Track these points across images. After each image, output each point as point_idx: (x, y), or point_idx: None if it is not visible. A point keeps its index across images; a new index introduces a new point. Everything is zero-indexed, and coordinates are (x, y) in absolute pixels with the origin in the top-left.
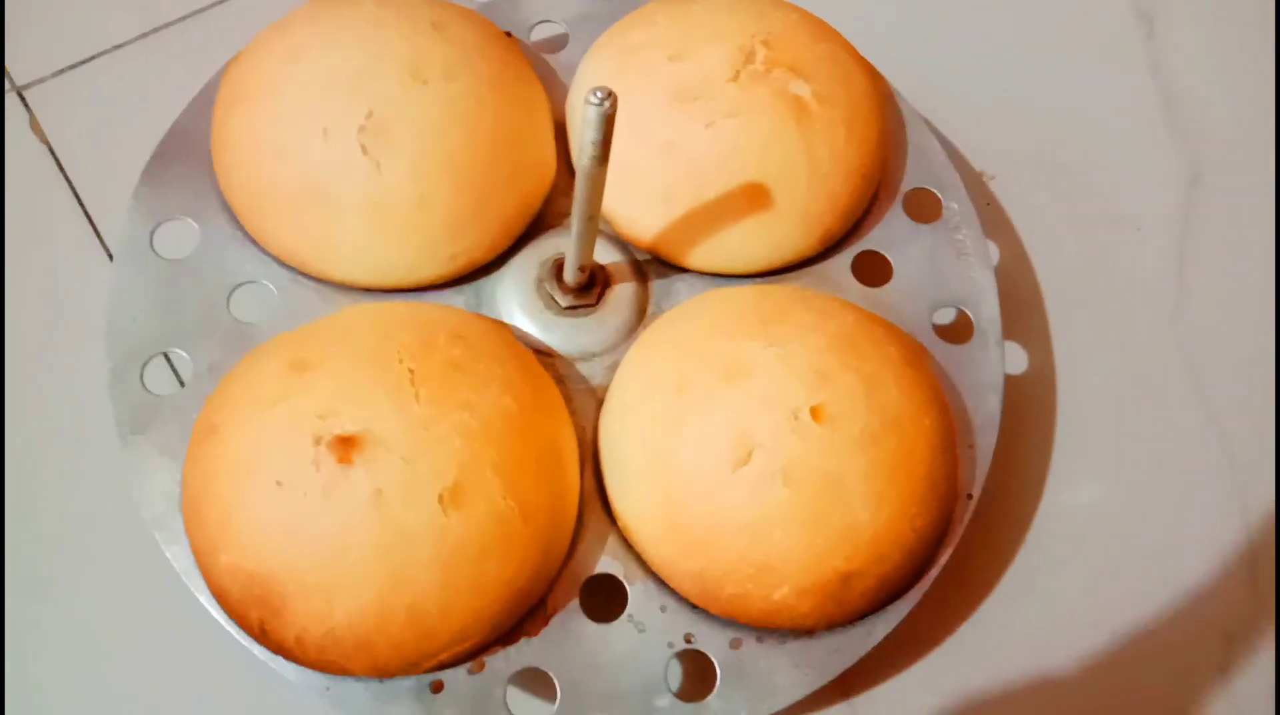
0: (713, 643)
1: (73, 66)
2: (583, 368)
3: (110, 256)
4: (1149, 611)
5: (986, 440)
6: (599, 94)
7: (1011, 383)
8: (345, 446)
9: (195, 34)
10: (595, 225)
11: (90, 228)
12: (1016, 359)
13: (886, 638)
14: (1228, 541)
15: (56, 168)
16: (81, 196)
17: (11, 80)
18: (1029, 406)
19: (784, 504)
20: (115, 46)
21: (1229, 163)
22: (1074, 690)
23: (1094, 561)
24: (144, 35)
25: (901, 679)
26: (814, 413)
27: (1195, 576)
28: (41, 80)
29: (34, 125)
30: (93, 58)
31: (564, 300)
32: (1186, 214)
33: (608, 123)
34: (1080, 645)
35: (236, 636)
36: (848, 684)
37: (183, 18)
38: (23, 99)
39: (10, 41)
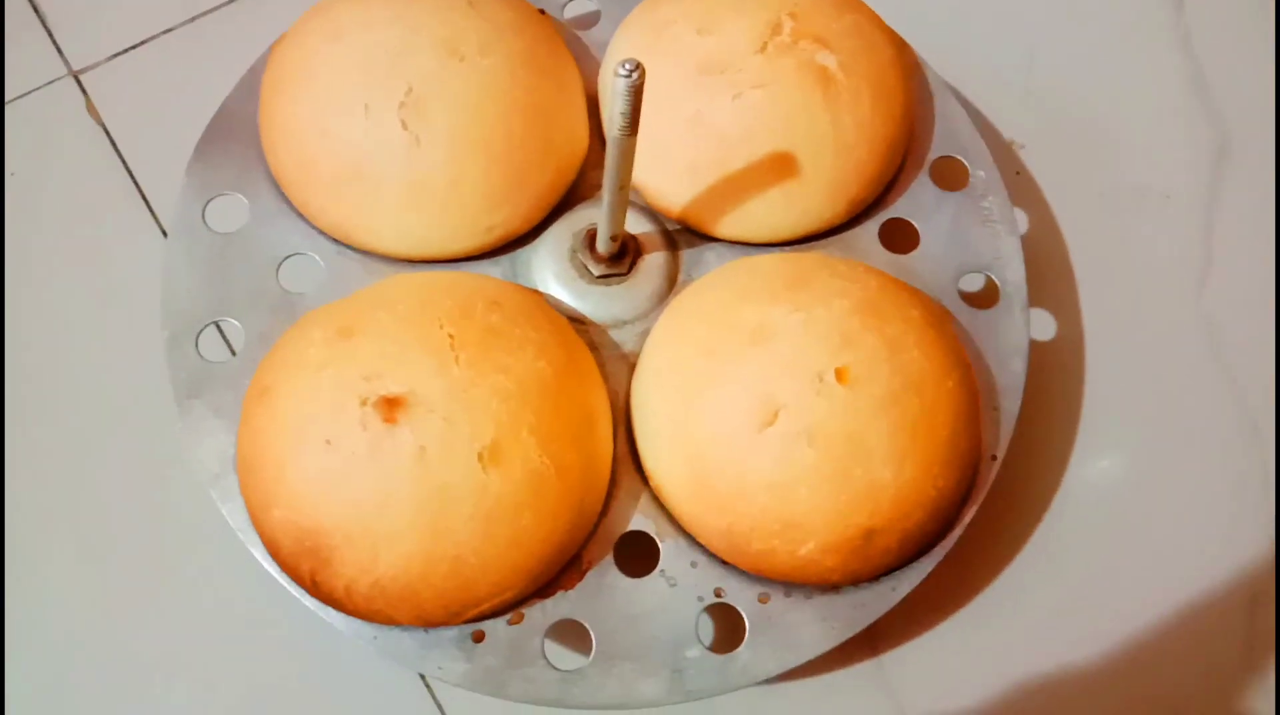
0: (741, 597)
1: (125, 50)
2: (615, 335)
3: (164, 232)
4: (1173, 578)
5: (1011, 403)
6: (627, 66)
7: (1040, 349)
8: (390, 407)
9: (240, 17)
10: (626, 195)
11: (144, 204)
12: (1045, 326)
13: (913, 596)
14: (1251, 511)
15: (111, 148)
16: (135, 175)
17: (68, 64)
18: (1057, 373)
19: (809, 463)
20: (165, 30)
21: (1257, 135)
22: (1098, 653)
23: (1119, 526)
24: (192, 19)
25: (929, 637)
26: (838, 375)
27: (1219, 544)
28: (96, 65)
29: (90, 108)
30: (144, 42)
31: (597, 269)
32: (1215, 186)
33: (636, 94)
34: (1104, 609)
35: (289, 589)
36: (875, 641)
37: (228, 2)
38: (79, 83)
39: (66, 27)
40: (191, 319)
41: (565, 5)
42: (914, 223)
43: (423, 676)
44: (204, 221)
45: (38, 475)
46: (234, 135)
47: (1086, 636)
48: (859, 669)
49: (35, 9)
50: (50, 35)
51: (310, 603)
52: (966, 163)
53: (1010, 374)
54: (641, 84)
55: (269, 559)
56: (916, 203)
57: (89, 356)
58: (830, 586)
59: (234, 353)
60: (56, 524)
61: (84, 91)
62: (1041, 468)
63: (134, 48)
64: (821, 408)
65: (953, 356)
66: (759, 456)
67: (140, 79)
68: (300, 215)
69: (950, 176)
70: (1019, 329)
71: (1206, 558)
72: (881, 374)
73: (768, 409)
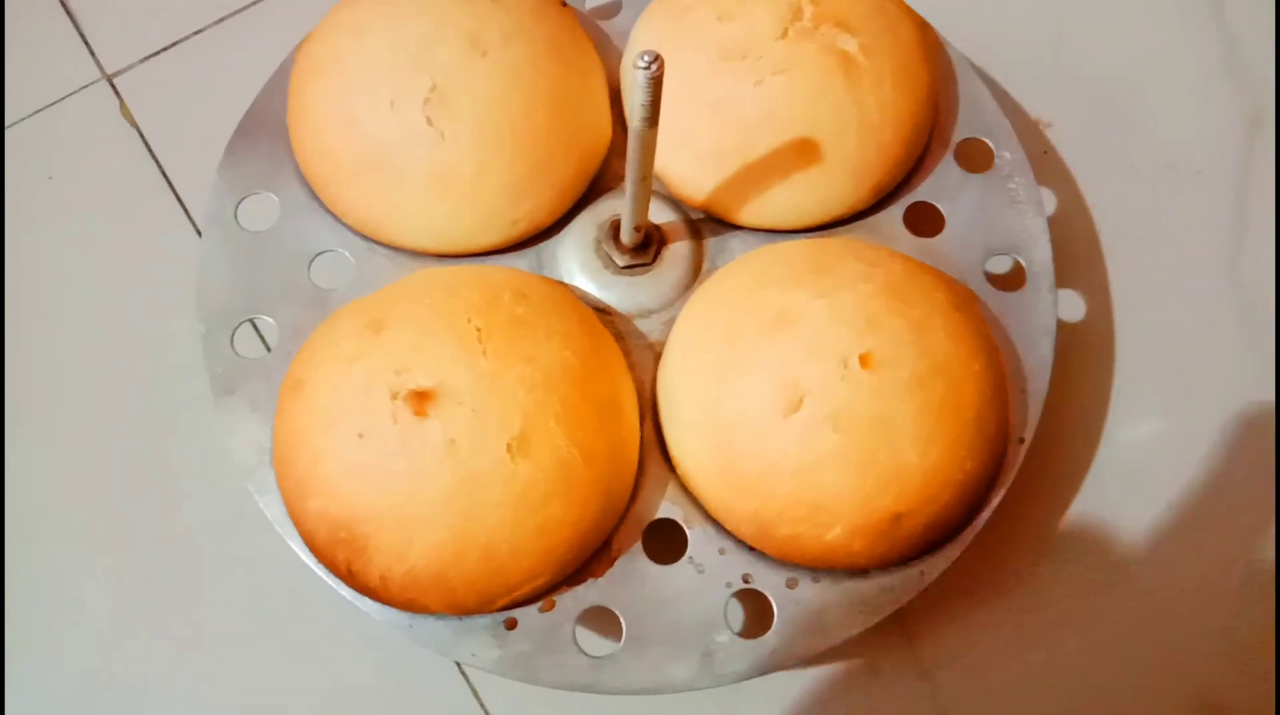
0: (770, 582)
1: (157, 53)
2: (641, 324)
3: (198, 231)
4: (1205, 559)
5: (1039, 385)
6: (646, 58)
7: (1069, 330)
8: (420, 400)
9: (269, 16)
10: (649, 185)
11: (178, 204)
12: (1074, 307)
13: (945, 580)
14: None
15: (146, 149)
16: (169, 175)
17: (102, 68)
18: (1087, 354)
19: (835, 448)
20: (195, 32)
21: None
22: (1129, 633)
23: (1151, 507)
24: (221, 20)
25: (960, 620)
26: (863, 359)
27: (1251, 526)
28: (129, 68)
29: (124, 110)
30: (175, 44)
31: (621, 260)
32: (1247, 159)
33: (656, 85)
34: (1135, 590)
35: (325, 579)
36: (908, 626)
37: (256, 1)
38: (113, 86)
39: (100, 31)
40: (226, 315)
41: None
42: (939, 206)
43: (458, 664)
44: (236, 220)
45: (73, 470)
46: (264, 134)
47: (1118, 617)
48: (891, 653)
49: (68, 13)
50: (84, 39)
51: (346, 592)
52: (991, 144)
53: (1038, 355)
54: (661, 75)
55: (305, 550)
56: (942, 185)
57: (125, 355)
58: (858, 571)
59: (269, 348)
60: (93, 517)
61: (118, 94)
62: (1071, 449)
63: (165, 49)
64: (846, 392)
65: (979, 339)
66: (785, 442)
67: (172, 80)
68: (330, 212)
69: (976, 158)
70: (1046, 310)
71: (1239, 539)
72: (907, 357)
73: (793, 394)
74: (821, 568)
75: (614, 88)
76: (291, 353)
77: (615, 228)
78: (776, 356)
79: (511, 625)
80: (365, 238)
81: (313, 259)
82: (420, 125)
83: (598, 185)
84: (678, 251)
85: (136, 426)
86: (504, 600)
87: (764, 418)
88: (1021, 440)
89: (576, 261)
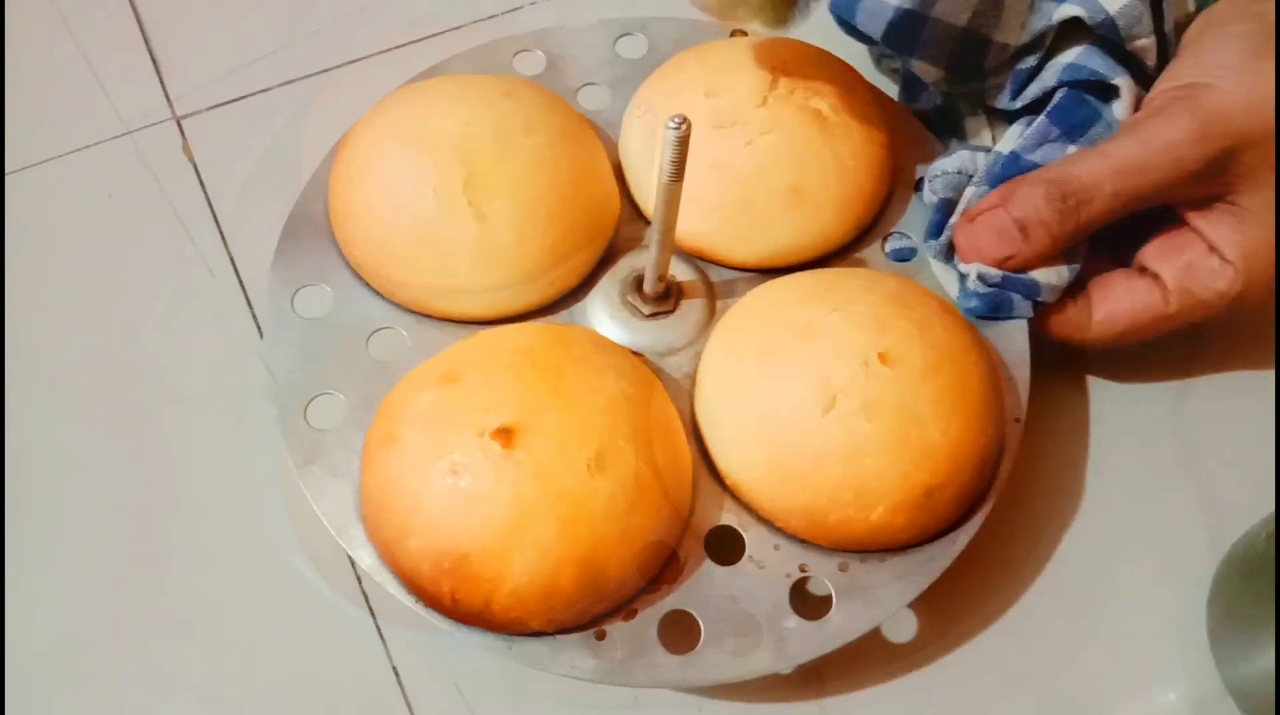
0: (824, 569)
1: (224, 104)
2: (670, 360)
3: (260, 330)
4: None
5: (1021, 372)
6: (676, 119)
7: None
8: (505, 435)
9: (325, 85)
10: (672, 236)
11: (245, 300)
12: None
13: (965, 559)
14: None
15: (199, 185)
16: (216, 211)
17: (173, 108)
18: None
19: (870, 435)
20: (262, 90)
21: None
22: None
23: (1151, 482)
24: (288, 83)
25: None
26: (881, 357)
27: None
28: (197, 112)
29: (185, 148)
30: (244, 97)
31: (646, 308)
32: None
33: (683, 144)
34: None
35: (424, 616)
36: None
37: (319, 72)
38: (180, 126)
39: (176, 74)
40: (297, 394)
41: (578, 91)
42: (911, 235)
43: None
44: (294, 311)
45: (147, 543)
46: (308, 233)
47: (1117, 642)
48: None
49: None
50: (160, 79)
51: (446, 625)
52: None
53: (1015, 348)
54: (688, 134)
55: (405, 593)
56: (911, 217)
57: (204, 438)
58: (899, 549)
59: (339, 420)
60: (179, 594)
61: (183, 133)
62: (1065, 433)
63: (233, 101)
64: (873, 386)
65: (970, 333)
66: (825, 436)
67: (235, 130)
68: (379, 294)
69: None
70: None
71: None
72: (917, 350)
73: (826, 394)
74: (869, 549)
75: (614, 164)
76: (362, 422)
77: (637, 282)
78: (808, 362)
79: (601, 636)
80: (416, 313)
81: (370, 336)
82: (462, 206)
83: (611, 251)
84: (694, 293)
85: (217, 501)
86: (597, 609)
87: (804, 417)
88: (1017, 420)
89: (606, 316)
